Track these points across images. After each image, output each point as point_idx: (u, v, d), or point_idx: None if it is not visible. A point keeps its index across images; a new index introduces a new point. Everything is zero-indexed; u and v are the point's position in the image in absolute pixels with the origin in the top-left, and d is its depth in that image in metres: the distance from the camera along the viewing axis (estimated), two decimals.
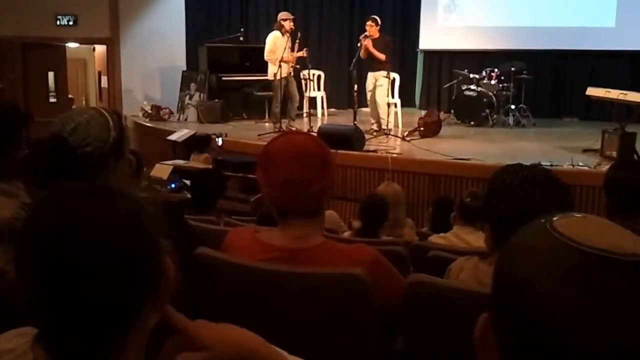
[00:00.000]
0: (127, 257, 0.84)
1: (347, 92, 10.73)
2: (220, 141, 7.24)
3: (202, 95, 9.90)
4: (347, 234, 3.36)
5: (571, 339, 0.60)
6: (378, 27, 8.06)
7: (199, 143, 7.16)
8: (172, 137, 7.76)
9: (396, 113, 8.93)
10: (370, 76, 8.28)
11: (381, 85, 8.13)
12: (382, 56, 7.99)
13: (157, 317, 0.93)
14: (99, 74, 11.77)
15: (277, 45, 8.32)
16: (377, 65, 8.16)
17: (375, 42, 8.01)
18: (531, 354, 0.63)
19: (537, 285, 0.63)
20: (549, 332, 0.61)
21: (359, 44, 8.09)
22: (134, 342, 0.89)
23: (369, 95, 8.32)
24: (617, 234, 0.66)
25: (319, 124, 8.51)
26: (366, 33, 8.05)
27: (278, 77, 8.28)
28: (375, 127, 8.19)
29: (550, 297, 0.62)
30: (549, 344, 0.62)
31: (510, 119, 9.26)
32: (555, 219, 0.68)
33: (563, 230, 0.65)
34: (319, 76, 10.23)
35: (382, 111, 8.17)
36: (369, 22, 8.11)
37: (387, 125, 8.15)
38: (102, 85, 11.47)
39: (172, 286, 0.93)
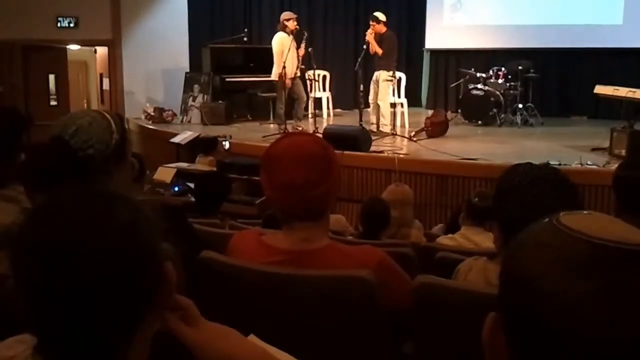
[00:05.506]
0: (127, 264, 0.84)
1: (352, 92, 10.70)
2: (227, 144, 7.22)
3: (205, 96, 9.87)
4: (349, 238, 3.34)
5: (583, 334, 0.59)
6: (380, 24, 8.07)
7: (205, 145, 7.14)
8: (176, 140, 7.74)
9: (403, 113, 8.91)
10: (374, 75, 8.28)
11: (382, 87, 8.11)
12: (378, 49, 8.00)
13: (159, 323, 0.92)
14: (101, 76, 11.74)
15: (284, 46, 8.33)
16: (377, 63, 8.18)
17: (377, 36, 8.06)
18: (541, 352, 0.62)
19: (546, 281, 0.62)
20: (560, 328, 0.60)
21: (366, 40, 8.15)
22: (136, 350, 0.88)
23: (371, 95, 8.30)
24: (623, 228, 0.66)
25: (325, 124, 8.49)
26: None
27: (284, 78, 8.28)
28: (373, 127, 8.16)
29: (560, 292, 0.61)
30: (560, 340, 0.60)
31: (518, 118, 9.22)
32: (561, 215, 0.68)
33: (571, 225, 0.65)
34: (324, 77, 10.22)
35: (382, 113, 8.15)
36: (370, 21, 8.18)
37: (389, 129, 8.10)
38: (104, 88, 11.44)
39: (173, 292, 0.92)
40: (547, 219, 0.68)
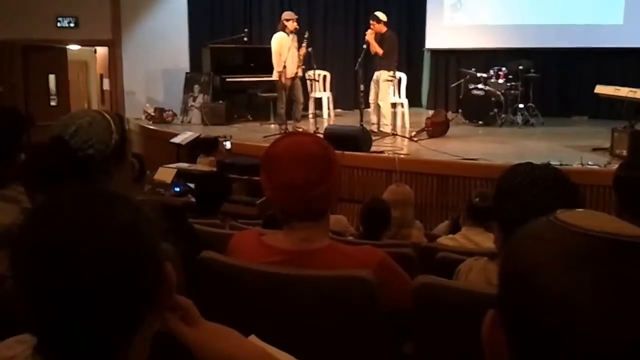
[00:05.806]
0: (127, 264, 0.84)
1: (353, 92, 10.69)
2: (228, 144, 7.22)
3: (205, 97, 9.86)
4: (350, 238, 3.33)
5: (582, 331, 0.59)
6: (381, 24, 8.06)
7: (206, 146, 7.14)
8: (176, 140, 7.74)
9: (403, 113, 8.91)
10: (375, 75, 8.27)
11: (383, 87, 8.10)
12: (378, 49, 7.98)
13: (159, 323, 0.92)
14: (101, 76, 11.73)
15: (282, 46, 8.32)
16: (378, 63, 8.17)
17: (377, 36, 8.04)
18: (541, 350, 0.62)
19: (545, 276, 0.62)
20: (559, 325, 0.60)
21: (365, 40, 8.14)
22: (136, 350, 0.88)
23: (372, 95, 8.30)
24: (619, 223, 0.66)
25: (325, 125, 8.49)
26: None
27: (283, 78, 8.27)
28: (374, 128, 8.15)
29: (559, 287, 0.60)
30: (559, 338, 0.60)
31: (519, 118, 9.21)
32: (558, 213, 0.68)
33: (569, 220, 0.65)
34: (324, 77, 10.21)
35: (383, 113, 8.14)
36: (370, 21, 8.16)
37: (389, 129, 8.09)
38: (104, 88, 11.43)
39: (173, 292, 0.92)
40: (544, 218, 0.68)
